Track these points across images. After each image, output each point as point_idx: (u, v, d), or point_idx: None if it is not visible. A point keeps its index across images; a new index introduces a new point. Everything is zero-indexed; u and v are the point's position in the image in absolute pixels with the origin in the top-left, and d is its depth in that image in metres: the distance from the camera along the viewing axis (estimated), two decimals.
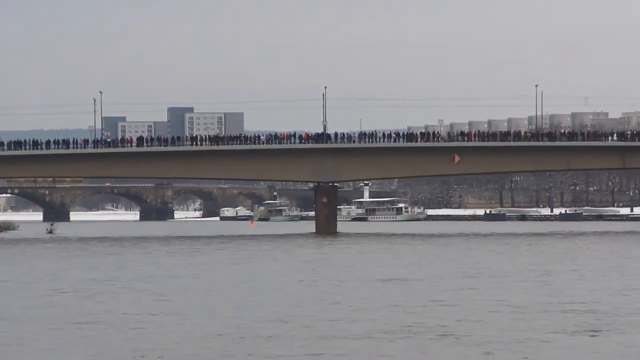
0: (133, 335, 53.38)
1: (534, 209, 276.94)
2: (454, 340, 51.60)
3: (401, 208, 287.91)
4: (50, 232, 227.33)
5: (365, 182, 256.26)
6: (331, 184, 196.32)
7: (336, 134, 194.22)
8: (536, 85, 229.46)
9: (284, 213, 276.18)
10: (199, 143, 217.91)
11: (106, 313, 67.51)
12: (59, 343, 51.64)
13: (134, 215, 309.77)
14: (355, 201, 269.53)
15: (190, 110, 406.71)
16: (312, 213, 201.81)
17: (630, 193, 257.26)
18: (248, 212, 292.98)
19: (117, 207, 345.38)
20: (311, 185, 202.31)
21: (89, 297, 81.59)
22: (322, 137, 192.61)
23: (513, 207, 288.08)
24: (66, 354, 46.87)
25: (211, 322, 63.04)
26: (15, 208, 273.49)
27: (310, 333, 55.42)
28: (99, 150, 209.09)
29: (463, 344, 49.23)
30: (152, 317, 64.44)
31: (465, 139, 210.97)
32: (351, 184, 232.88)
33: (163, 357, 45.58)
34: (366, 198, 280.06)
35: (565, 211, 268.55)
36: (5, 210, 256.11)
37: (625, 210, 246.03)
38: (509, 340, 52.38)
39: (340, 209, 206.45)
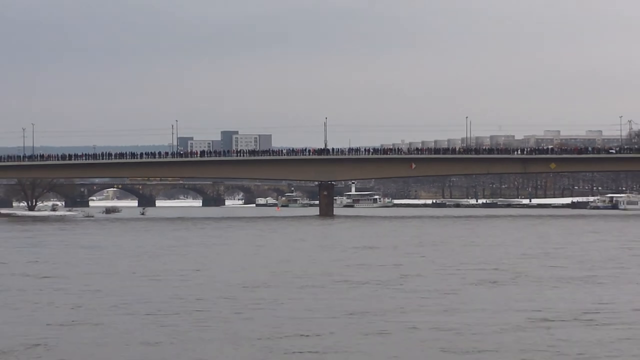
0: (178, 284, 54.40)
1: (465, 200, 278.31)
2: (399, 288, 51.30)
3: (376, 199, 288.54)
4: (143, 213, 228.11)
5: (352, 181, 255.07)
6: (329, 182, 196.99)
7: (333, 149, 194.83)
8: (467, 117, 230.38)
9: (298, 202, 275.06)
10: (241, 155, 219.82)
11: (165, 269, 67.00)
12: (135, 287, 53.53)
13: (198, 202, 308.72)
14: (345, 194, 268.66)
15: (236, 132, 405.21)
16: (317, 202, 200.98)
17: (529, 189, 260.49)
18: (274, 201, 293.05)
19: (186, 197, 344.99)
20: (316, 183, 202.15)
21: (158, 256, 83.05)
22: (324, 151, 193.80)
23: (451, 198, 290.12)
24: (138, 295, 47.49)
25: (240, 272, 64.60)
26: (119, 198, 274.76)
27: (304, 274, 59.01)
28: (176, 159, 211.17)
29: (404, 290, 49.62)
30: (195, 272, 63.81)
31: (419, 153, 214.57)
32: (342, 182, 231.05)
33: (200, 299, 47.29)
34: (353, 192, 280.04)
35: (485, 201, 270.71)
36: (112, 199, 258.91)
37: (525, 201, 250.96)
38: (437, 288, 53.03)
39: (335, 199, 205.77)
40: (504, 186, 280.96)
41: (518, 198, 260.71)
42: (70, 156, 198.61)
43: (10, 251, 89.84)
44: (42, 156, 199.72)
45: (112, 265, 70.68)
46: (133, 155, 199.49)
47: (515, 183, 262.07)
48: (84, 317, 37.53)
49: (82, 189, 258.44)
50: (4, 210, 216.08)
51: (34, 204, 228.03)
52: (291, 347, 30.42)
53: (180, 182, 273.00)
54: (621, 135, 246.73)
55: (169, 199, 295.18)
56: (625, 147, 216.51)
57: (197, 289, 51.44)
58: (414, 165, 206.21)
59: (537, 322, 34.76)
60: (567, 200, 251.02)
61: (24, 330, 33.92)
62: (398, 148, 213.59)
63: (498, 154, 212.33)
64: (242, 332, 33.96)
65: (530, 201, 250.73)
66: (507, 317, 36.06)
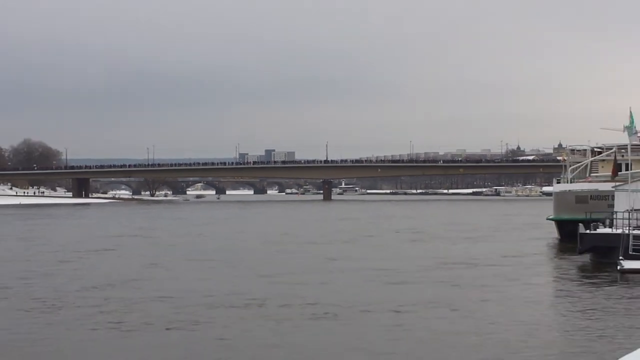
0: (214, 242, 50.82)
1: (409, 190, 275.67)
2: (360, 244, 50.08)
3: (356, 190, 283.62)
4: (218, 198, 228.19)
5: (342, 179, 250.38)
6: (329, 180, 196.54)
7: (331, 160, 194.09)
8: (410, 141, 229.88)
9: (310, 191, 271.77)
10: (277, 164, 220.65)
11: (211, 232, 64.49)
12: (188, 242, 52.74)
13: (250, 192, 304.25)
14: (338, 187, 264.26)
15: (273, 150, 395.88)
16: (321, 192, 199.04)
17: (448, 184, 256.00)
18: (296, 191, 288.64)
19: (244, 189, 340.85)
20: (321, 180, 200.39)
21: (225, 221, 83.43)
22: (326, 161, 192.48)
23: (401, 189, 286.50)
24: (187, 249, 45.16)
25: (258, 235, 60.57)
26: (204, 189, 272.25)
27: (302, 240, 56.36)
28: (238, 166, 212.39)
29: (362, 246, 48.10)
30: (236, 234, 61.06)
31: (383, 162, 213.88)
32: (337, 180, 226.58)
33: (245, 246, 47.26)
34: (342, 185, 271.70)
35: (421, 191, 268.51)
36: (200, 190, 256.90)
37: (445, 191, 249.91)
38: (381, 243, 54.17)
39: (332, 190, 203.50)
40: (432, 182, 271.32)
41: (441, 189, 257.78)
42: (175, 164, 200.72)
43: (141, 217, 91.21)
44: (158, 164, 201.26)
45: (189, 228, 68.89)
46: (212, 163, 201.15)
47: (439, 180, 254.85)
48: (162, 262, 36.58)
49: (182, 183, 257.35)
50: (136, 197, 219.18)
51: (153, 193, 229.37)
52: (293, 270, 30.15)
53: (241, 179, 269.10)
54: (501, 152, 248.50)
55: (234, 190, 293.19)
56: (504, 159, 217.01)
57: (242, 240, 51.60)
58: (379, 170, 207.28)
59: (442, 265, 34.55)
60: (470, 190, 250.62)
61: (125, 269, 33.19)
62: (370, 159, 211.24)
63: (429, 163, 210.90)
64: (268, 264, 33.39)
65: (447, 191, 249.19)
66: (420, 262, 36.02)
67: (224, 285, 27.27)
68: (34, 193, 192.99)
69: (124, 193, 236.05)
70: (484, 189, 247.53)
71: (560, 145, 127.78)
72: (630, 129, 48.53)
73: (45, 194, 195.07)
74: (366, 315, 20.84)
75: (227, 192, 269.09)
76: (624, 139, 48.95)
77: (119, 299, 23.85)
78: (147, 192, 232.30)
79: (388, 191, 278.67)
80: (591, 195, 46.34)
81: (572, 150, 59.56)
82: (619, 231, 32.23)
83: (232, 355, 15.98)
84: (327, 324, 19.55)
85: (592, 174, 52.16)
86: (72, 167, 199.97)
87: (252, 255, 40.79)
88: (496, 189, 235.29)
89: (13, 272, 32.49)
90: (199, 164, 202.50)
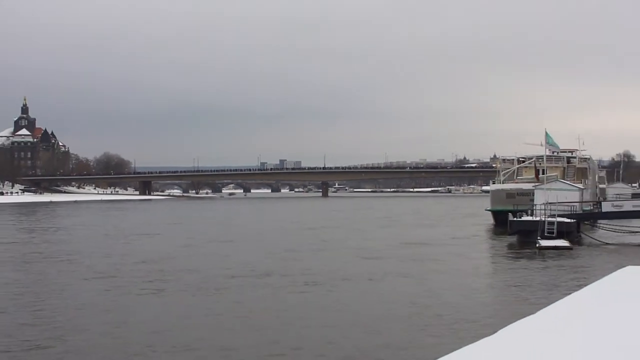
0: (237, 228, 50.87)
1: (386, 189, 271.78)
2: (345, 228, 50.39)
3: (346, 189, 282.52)
4: (245, 195, 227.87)
5: (336, 181, 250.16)
6: (326, 182, 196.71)
7: (329, 167, 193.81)
8: (385, 152, 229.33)
9: (312, 190, 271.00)
10: (289, 170, 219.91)
11: (239, 220, 64.74)
12: (219, 224, 52.41)
13: (268, 191, 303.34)
14: (333, 187, 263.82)
15: (285, 160, 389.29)
16: (320, 191, 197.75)
17: (413, 184, 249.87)
18: (302, 190, 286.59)
19: (264, 188, 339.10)
20: (320, 182, 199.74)
21: (238, 215, 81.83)
22: (324, 168, 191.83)
23: (379, 189, 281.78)
24: (222, 232, 46.64)
25: (271, 222, 62.22)
26: (235, 188, 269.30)
27: (298, 225, 56.82)
28: (259, 172, 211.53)
29: (345, 229, 47.45)
30: (255, 223, 61.56)
31: (365, 169, 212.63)
32: (332, 182, 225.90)
33: (260, 232, 46.39)
34: (336, 186, 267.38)
35: (394, 190, 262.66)
36: (231, 189, 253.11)
37: (412, 189, 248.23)
38: (359, 228, 51.92)
39: (329, 189, 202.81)
40: (402, 183, 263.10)
41: (408, 188, 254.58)
42: (213, 170, 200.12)
43: (188, 209, 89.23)
44: (201, 171, 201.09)
45: (215, 217, 67.03)
46: (241, 170, 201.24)
47: (407, 182, 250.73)
48: (195, 243, 35.42)
49: (219, 184, 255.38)
50: (185, 194, 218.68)
51: (197, 191, 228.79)
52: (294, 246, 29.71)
53: (261, 181, 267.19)
54: (452, 161, 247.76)
55: (257, 189, 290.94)
56: (454, 166, 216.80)
57: (260, 225, 50.32)
58: (363, 174, 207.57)
59: (405, 244, 33.79)
60: (429, 189, 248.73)
61: (165, 248, 31.91)
62: (356, 167, 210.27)
63: (399, 169, 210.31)
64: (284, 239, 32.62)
65: (413, 190, 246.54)
66: (389, 242, 35.34)
67: (241, 260, 26.59)
68: (111, 192, 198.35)
69: (176, 191, 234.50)
70: (439, 188, 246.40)
71: (495, 156, 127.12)
72: (547, 143, 48.44)
73: (119, 192, 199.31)
74: (345, 283, 20.41)
75: (252, 191, 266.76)
76: (541, 150, 48.93)
77: (160, 271, 23.36)
78: (193, 191, 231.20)
79: (369, 190, 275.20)
80: (517, 193, 46.20)
81: (504, 159, 59.27)
82: (537, 219, 32.87)
83: (241, 312, 15.71)
84: (315, 289, 19.14)
85: (517, 177, 52.19)
86: (139, 173, 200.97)
87: (264, 237, 40.27)
88: (448, 188, 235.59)
89: (82, 249, 32.07)
90: (231, 170, 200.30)
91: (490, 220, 50.43)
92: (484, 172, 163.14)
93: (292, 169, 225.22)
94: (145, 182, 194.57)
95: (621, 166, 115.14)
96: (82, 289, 19.44)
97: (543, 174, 45.41)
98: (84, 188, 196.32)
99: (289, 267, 24.32)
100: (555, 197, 34.79)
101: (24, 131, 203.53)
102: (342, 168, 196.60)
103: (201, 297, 17.87)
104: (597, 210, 36.49)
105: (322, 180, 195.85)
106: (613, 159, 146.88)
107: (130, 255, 28.68)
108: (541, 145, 48.39)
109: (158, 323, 14.45)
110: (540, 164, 47.99)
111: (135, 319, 14.96)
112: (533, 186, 41.03)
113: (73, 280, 21.51)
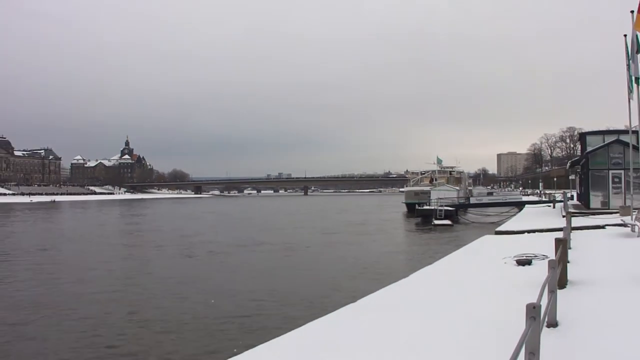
0: (242, 215, 50.18)
1: (343, 190, 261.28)
2: (322, 217, 46.83)
3: (319, 190, 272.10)
4: (258, 194, 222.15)
5: (313, 186, 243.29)
6: (306, 187, 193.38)
7: (308, 177, 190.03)
8: (342, 168, 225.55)
9: (298, 191, 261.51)
10: (283, 179, 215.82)
11: (259, 212, 59.12)
12: (247, 218, 49.08)
13: (271, 192, 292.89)
14: (311, 189, 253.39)
15: (282, 172, 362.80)
16: (303, 191, 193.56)
17: (359, 187, 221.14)
18: (292, 191, 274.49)
19: (269, 190, 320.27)
20: (303, 186, 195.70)
21: (255, 204, 77.86)
22: (305, 178, 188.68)
23: (339, 190, 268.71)
24: (244, 225, 41.33)
25: (279, 212, 57.25)
26: (251, 190, 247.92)
27: (291, 218, 53.63)
28: (271, 179, 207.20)
29: (322, 219, 41.86)
30: (255, 210, 59.37)
31: (331, 179, 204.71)
32: (311, 187, 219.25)
33: (246, 219, 43.53)
34: (312, 189, 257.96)
35: (348, 191, 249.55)
36: (250, 190, 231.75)
37: (360, 191, 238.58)
38: (320, 216, 48.13)
39: (308, 191, 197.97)
40: (353, 186, 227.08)
41: (357, 190, 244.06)
42: (238, 180, 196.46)
43: (226, 203, 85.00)
44: (231, 180, 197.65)
45: (242, 203, 63.59)
46: (254, 179, 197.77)
47: (358, 186, 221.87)
48: (219, 224, 32.99)
49: (242, 187, 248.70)
50: (222, 194, 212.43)
51: (229, 192, 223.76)
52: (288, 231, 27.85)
53: (267, 186, 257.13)
54: (383, 173, 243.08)
55: (264, 190, 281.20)
56: (383, 177, 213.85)
57: (257, 211, 47.61)
58: (329, 182, 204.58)
59: (350, 224, 31.93)
60: (369, 190, 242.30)
61: (197, 227, 29.79)
62: (325, 177, 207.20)
63: (351, 179, 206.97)
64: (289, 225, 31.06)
65: (359, 190, 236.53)
66: (341, 222, 33.27)
67: (240, 236, 24.45)
68: (177, 193, 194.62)
69: (216, 192, 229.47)
70: (374, 190, 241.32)
71: (407, 170, 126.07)
72: (438, 162, 49.13)
73: (182, 193, 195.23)
74: (308, 249, 18.57)
75: (262, 192, 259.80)
76: (433, 167, 50.12)
77: (189, 243, 21.45)
78: (226, 192, 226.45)
79: (333, 191, 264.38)
80: (420, 192, 44.72)
81: (413, 172, 59.12)
82: (433, 207, 31.78)
83: (228, 268, 14.14)
84: (286, 254, 17.23)
85: (420, 183, 51.02)
86: (194, 181, 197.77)
87: (257, 220, 38.32)
88: (380, 189, 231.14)
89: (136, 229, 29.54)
90: (248, 179, 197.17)
91: (404, 209, 48.42)
92: (401, 180, 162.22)
93: (286, 178, 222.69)
94: (198, 187, 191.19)
95: (481, 176, 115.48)
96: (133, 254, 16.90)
97: (435, 180, 45.92)
98: (160, 191, 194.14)
99: (270, 240, 21.78)
100: (443, 195, 35.03)
101: (126, 157, 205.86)
102: (316, 179, 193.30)
103: (202, 259, 15.79)
104: (467, 203, 35.44)
105: (304, 185, 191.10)
106: (476, 172, 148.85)
107: (176, 231, 26.15)
108: (434, 164, 49.40)
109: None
110: (434, 175, 48.29)
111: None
112: (430, 188, 40.84)
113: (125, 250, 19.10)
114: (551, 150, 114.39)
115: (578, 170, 26.77)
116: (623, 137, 19.59)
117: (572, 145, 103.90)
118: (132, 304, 9.54)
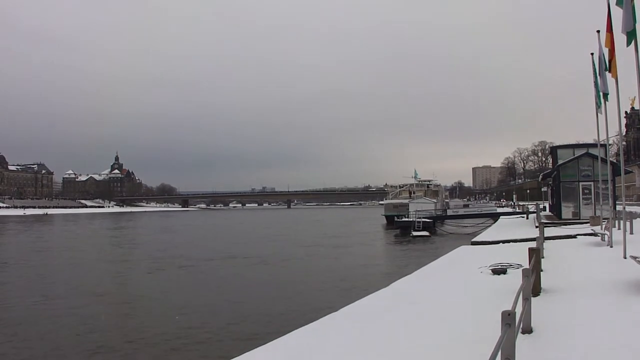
0: (229, 230, 49.20)
1: (325, 203, 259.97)
2: (290, 228, 44.84)
3: (301, 203, 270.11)
4: (242, 207, 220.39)
5: (295, 199, 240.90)
6: (290, 200, 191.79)
7: (292, 191, 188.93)
8: (323, 181, 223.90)
9: (281, 204, 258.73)
10: (268, 193, 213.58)
11: (268, 222, 61.79)
12: (253, 225, 49.04)
13: (256, 205, 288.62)
14: (294, 202, 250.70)
15: (265, 187, 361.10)
16: (287, 204, 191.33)
17: (341, 200, 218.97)
18: (276, 204, 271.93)
19: (253, 203, 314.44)
20: (286, 200, 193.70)
21: (238, 216, 77.10)
22: (289, 192, 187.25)
23: (320, 203, 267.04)
24: (252, 233, 41.43)
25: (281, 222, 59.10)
26: (236, 203, 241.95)
27: (285, 223, 53.54)
28: (249, 194, 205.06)
29: (292, 229, 42.40)
30: (239, 224, 55.00)
31: (312, 192, 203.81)
32: (294, 200, 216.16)
33: (230, 233, 43.18)
34: (295, 202, 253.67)
35: (329, 204, 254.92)
36: (235, 204, 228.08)
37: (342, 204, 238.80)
38: (307, 225, 48.49)
39: (291, 204, 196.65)
40: (334, 200, 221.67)
41: (339, 203, 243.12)
42: (223, 194, 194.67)
43: (205, 216, 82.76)
44: (216, 194, 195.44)
45: (220, 220, 62.54)
46: (239, 193, 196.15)
47: (339, 199, 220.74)
48: (209, 235, 32.59)
49: (228, 201, 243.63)
50: (208, 207, 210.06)
51: (215, 206, 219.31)
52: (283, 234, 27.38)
53: (251, 200, 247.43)
54: (363, 187, 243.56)
55: (249, 204, 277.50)
56: (363, 190, 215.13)
57: (243, 225, 47.09)
58: (311, 195, 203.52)
59: (331, 236, 31.49)
60: (349, 203, 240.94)
61: (182, 240, 29.35)
62: (306, 191, 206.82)
63: (332, 192, 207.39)
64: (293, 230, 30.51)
65: (340, 204, 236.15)
66: (322, 235, 32.60)
67: (226, 248, 24.11)
68: (164, 206, 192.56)
69: (202, 205, 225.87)
70: (355, 202, 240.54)
71: (386, 184, 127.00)
72: (415, 176, 49.82)
73: (169, 206, 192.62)
74: (285, 262, 18.14)
75: (246, 205, 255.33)
76: (411, 181, 51.05)
77: (184, 257, 20.92)
78: (212, 205, 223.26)
79: (314, 204, 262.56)
80: (399, 205, 44.94)
81: (391, 186, 59.29)
82: (411, 219, 31.89)
83: (215, 277, 14.04)
84: (264, 266, 16.92)
85: (399, 196, 51.32)
86: (181, 195, 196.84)
87: (243, 234, 37.28)
88: (360, 202, 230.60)
89: (123, 241, 28.60)
90: (234, 193, 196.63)
91: (383, 221, 48.42)
92: (380, 193, 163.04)
93: (270, 192, 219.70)
94: (185, 200, 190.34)
95: (457, 189, 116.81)
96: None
97: (414, 194, 46.32)
98: (149, 204, 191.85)
99: (250, 252, 21.22)
100: (421, 207, 34.78)
101: (116, 171, 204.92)
102: (299, 192, 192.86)
103: (197, 268, 15.45)
104: (444, 215, 35.57)
105: (287, 198, 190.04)
106: (452, 185, 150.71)
107: (167, 242, 25.38)
108: (412, 177, 49.71)
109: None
110: (412, 188, 48.68)
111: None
112: (408, 201, 40.82)
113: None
114: (524, 163, 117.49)
115: (550, 182, 27.07)
116: (592, 151, 19.82)
117: (544, 159, 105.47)
118: (84, 322, 9.08)
